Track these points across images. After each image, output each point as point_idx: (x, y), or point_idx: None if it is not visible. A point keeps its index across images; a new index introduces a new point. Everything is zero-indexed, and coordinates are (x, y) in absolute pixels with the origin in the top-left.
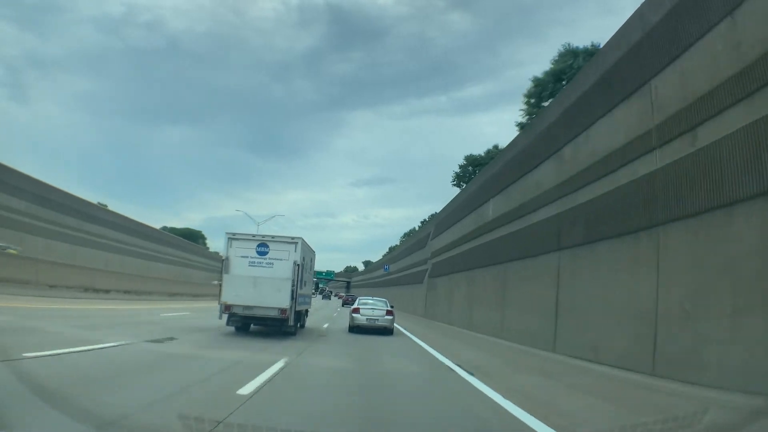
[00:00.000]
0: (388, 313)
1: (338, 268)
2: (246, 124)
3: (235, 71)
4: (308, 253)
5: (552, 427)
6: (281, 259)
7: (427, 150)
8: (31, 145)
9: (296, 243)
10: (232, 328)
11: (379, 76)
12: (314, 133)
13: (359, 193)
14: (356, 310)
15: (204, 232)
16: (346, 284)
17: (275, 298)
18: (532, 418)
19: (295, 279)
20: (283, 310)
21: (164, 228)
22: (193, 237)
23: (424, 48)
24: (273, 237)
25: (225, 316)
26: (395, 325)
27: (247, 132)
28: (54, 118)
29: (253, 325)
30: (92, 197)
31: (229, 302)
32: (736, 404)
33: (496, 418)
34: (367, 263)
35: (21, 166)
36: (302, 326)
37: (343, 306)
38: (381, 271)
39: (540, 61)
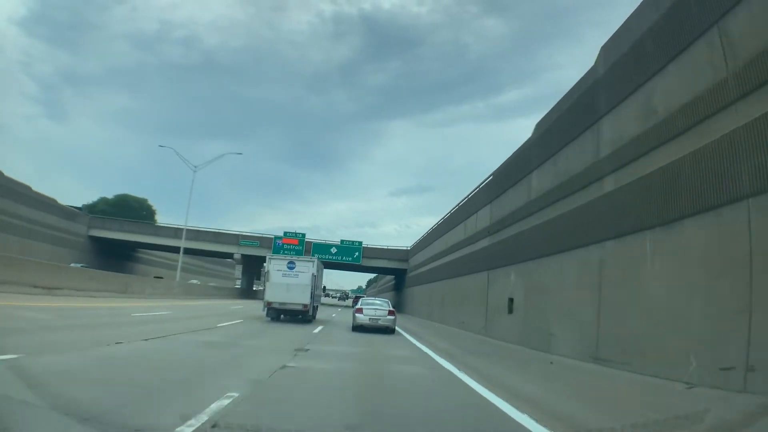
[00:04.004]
0: (390, 313)
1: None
2: (285, 137)
3: (273, 85)
4: (320, 267)
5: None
6: (303, 272)
7: (466, 157)
8: (69, 162)
9: (313, 261)
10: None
11: (416, 84)
12: (353, 144)
13: (399, 202)
14: (359, 311)
15: (151, 201)
16: (393, 280)
17: (300, 297)
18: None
19: (312, 285)
20: (305, 305)
21: (101, 199)
22: (129, 207)
23: (460, 55)
24: (298, 258)
25: (266, 310)
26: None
27: (287, 144)
28: (92, 135)
29: (282, 317)
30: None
31: (270, 300)
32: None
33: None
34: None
35: (59, 182)
36: (314, 317)
37: (352, 305)
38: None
39: (576, 64)
